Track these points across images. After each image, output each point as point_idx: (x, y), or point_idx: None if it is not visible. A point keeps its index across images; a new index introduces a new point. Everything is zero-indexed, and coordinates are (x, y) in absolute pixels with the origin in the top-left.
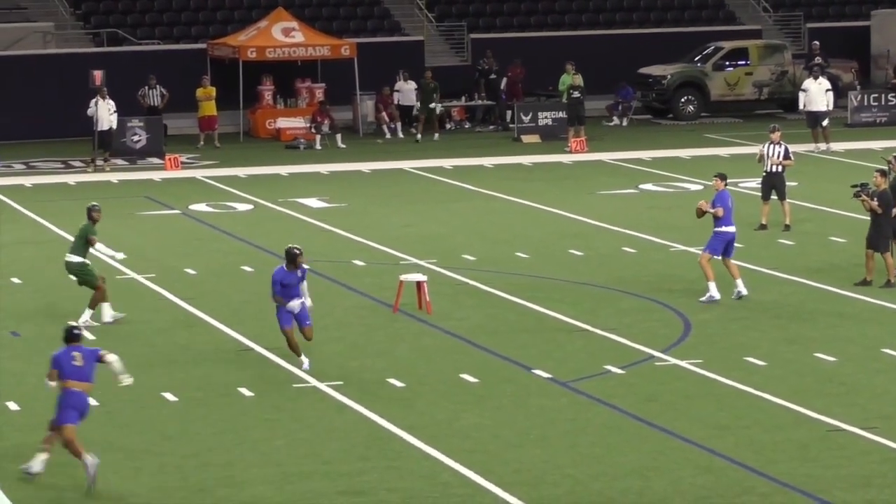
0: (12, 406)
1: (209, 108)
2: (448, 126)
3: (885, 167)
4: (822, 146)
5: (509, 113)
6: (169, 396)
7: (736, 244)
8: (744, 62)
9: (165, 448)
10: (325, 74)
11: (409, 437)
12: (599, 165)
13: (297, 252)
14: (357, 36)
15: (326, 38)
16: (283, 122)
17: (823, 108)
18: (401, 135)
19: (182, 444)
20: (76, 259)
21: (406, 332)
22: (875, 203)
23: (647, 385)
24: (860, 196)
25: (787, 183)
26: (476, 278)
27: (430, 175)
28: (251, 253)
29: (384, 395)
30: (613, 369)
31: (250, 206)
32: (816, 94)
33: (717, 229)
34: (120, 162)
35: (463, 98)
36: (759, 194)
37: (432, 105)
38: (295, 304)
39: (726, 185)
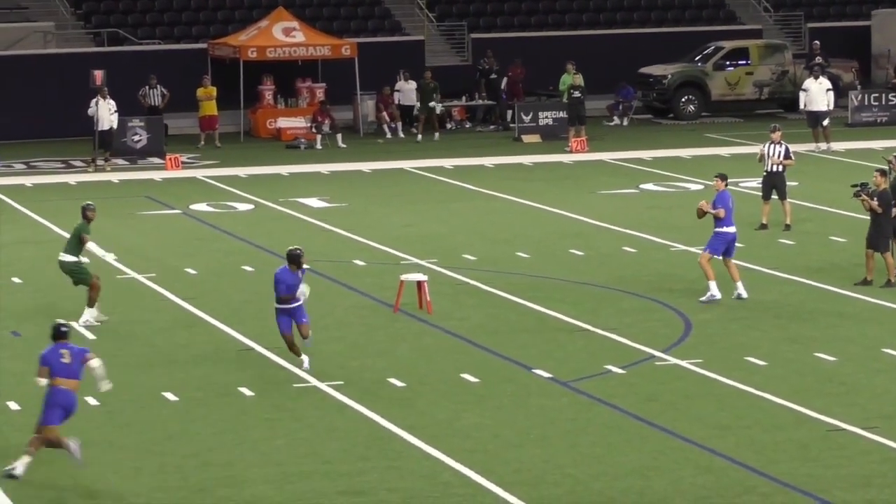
0: (13, 406)
1: (210, 107)
2: (449, 126)
3: (886, 167)
4: (823, 146)
5: (510, 113)
6: (169, 396)
7: (737, 244)
8: (744, 62)
9: (166, 448)
10: (325, 74)
11: (410, 437)
12: (600, 165)
13: (300, 253)
14: (358, 36)
15: (327, 38)
16: (283, 122)
17: (824, 108)
18: (401, 134)
19: (182, 444)
20: (70, 258)
21: (407, 332)
22: (875, 203)
23: (648, 385)
24: (860, 196)
25: (788, 182)
26: (477, 278)
27: (431, 175)
28: (252, 253)
29: (385, 394)
30: (614, 369)
31: (251, 206)
32: (817, 93)
33: (717, 230)
34: (120, 162)
35: (463, 98)
36: (760, 194)
37: (432, 104)
38: (304, 289)
39: (727, 185)
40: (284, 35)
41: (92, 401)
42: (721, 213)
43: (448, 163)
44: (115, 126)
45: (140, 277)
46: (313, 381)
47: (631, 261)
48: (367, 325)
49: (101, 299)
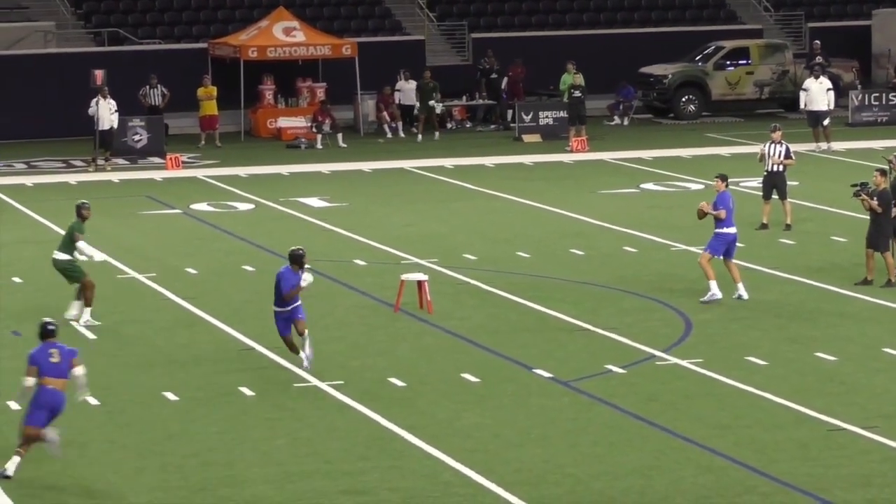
0: (13, 406)
1: (210, 107)
2: (449, 125)
3: (886, 167)
4: (823, 145)
5: (510, 112)
6: (170, 396)
7: (737, 244)
8: (745, 61)
9: (166, 447)
10: (326, 74)
11: (411, 437)
12: (600, 165)
13: (302, 253)
14: (358, 35)
15: (327, 38)
16: (284, 122)
17: (824, 108)
18: (402, 134)
19: (183, 444)
20: (63, 256)
21: (407, 332)
22: (875, 202)
23: (648, 384)
24: (860, 195)
25: (789, 182)
26: (477, 278)
27: (432, 174)
28: (252, 252)
29: (385, 394)
30: (614, 369)
31: (251, 206)
32: (817, 93)
33: (717, 230)
34: (121, 161)
35: (464, 97)
36: (761, 194)
37: (431, 103)
38: (308, 276)
39: (727, 186)
40: (285, 35)
41: (93, 400)
42: (722, 214)
43: (449, 162)
44: (115, 126)
45: (140, 277)
46: (314, 381)
47: (631, 260)
48: (367, 324)
49: (103, 299)
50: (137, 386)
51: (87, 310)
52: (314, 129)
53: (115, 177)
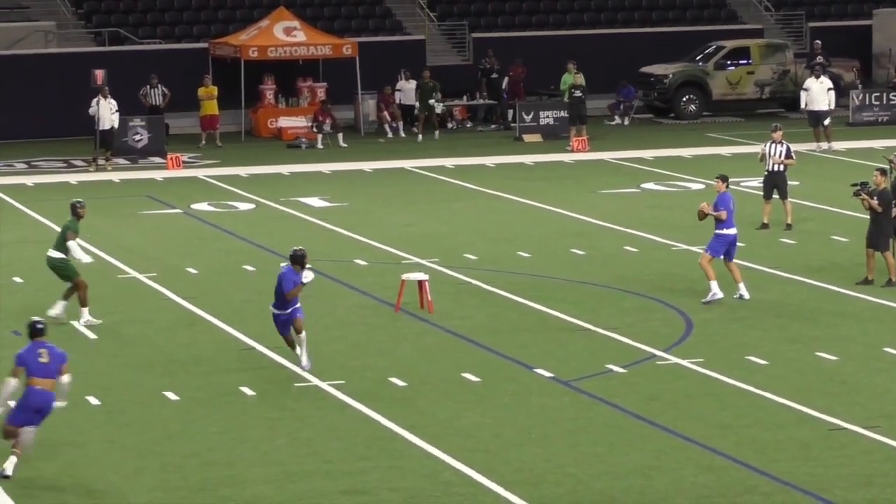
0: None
1: (211, 107)
2: (450, 125)
3: (886, 166)
4: (824, 145)
5: (511, 112)
6: (170, 395)
7: (738, 244)
8: (745, 61)
9: (167, 447)
10: (326, 74)
11: (411, 437)
12: (601, 165)
13: (304, 253)
14: (359, 35)
15: (328, 38)
16: (284, 122)
17: (825, 108)
18: (402, 134)
19: (183, 444)
20: (56, 255)
21: (408, 332)
22: (875, 202)
23: (649, 384)
24: (860, 195)
25: (789, 182)
26: (478, 277)
27: (432, 174)
28: (253, 252)
29: (386, 394)
30: (615, 368)
31: (252, 206)
32: (818, 93)
33: (718, 231)
34: (121, 161)
35: (465, 97)
36: (761, 193)
37: (431, 102)
38: (309, 275)
39: (728, 186)
40: (285, 34)
41: (93, 400)
42: (723, 214)
43: (449, 162)
44: (116, 125)
45: (141, 277)
46: (314, 381)
47: (632, 260)
48: (368, 324)
49: (103, 299)
50: (137, 386)
51: (85, 309)
52: (315, 129)
53: (116, 177)
